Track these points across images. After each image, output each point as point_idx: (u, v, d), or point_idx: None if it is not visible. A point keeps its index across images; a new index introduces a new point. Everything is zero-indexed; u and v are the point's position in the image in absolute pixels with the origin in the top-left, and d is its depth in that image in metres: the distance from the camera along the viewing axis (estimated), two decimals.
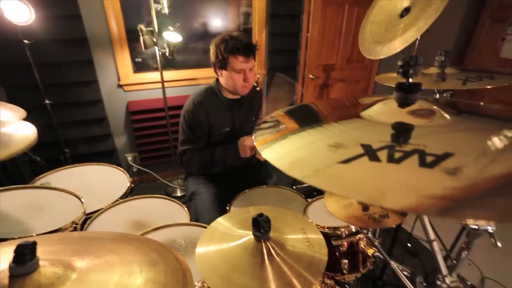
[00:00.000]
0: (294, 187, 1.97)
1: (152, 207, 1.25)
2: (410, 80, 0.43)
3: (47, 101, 1.90)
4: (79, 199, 1.09)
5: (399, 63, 0.43)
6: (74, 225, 0.95)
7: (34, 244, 0.46)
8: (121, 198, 1.27)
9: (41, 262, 0.47)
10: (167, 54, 1.98)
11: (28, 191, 1.11)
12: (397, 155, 0.32)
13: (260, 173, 1.60)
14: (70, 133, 2.13)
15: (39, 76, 1.85)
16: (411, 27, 1.23)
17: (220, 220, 0.63)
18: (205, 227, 0.97)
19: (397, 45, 1.32)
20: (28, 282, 0.44)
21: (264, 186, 1.35)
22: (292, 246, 0.53)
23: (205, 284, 0.75)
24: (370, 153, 0.33)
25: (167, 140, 2.37)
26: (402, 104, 0.45)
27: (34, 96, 1.91)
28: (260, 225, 0.50)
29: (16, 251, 0.45)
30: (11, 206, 0.99)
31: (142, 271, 0.54)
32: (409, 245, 1.85)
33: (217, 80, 1.40)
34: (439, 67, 0.93)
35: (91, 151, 2.26)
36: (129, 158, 2.47)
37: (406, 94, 0.44)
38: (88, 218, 1.09)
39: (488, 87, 0.82)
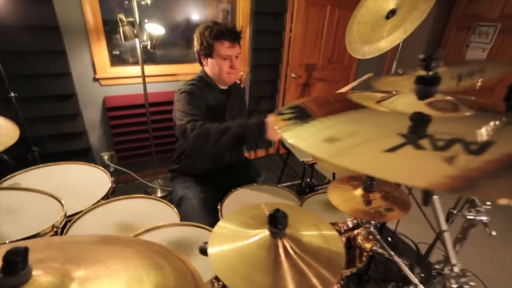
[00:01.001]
0: (279, 185, 1.97)
1: (137, 208, 1.17)
2: (431, 73, 0.44)
3: (12, 94, 1.73)
4: (58, 200, 1.00)
5: (421, 56, 0.43)
6: (55, 229, 0.86)
7: (26, 250, 0.41)
8: (102, 199, 1.18)
9: (34, 272, 0.42)
10: (148, 47, 1.88)
11: None
12: (439, 143, 0.32)
13: (249, 172, 1.58)
14: (40, 129, 1.95)
15: (3, 65, 1.67)
16: (397, 29, 1.28)
17: (227, 219, 0.60)
18: (204, 228, 0.94)
19: (383, 46, 1.37)
20: None
21: (255, 184, 1.33)
22: (309, 242, 0.52)
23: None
24: (412, 142, 0.32)
25: (147, 138, 2.26)
26: (422, 96, 0.45)
27: None
28: (278, 221, 0.48)
29: (5, 259, 0.38)
30: None
31: (149, 275, 0.50)
32: (389, 239, 1.93)
33: (204, 70, 1.35)
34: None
35: (63, 149, 2.09)
36: (106, 157, 2.32)
37: (427, 87, 0.44)
38: (67, 221, 1.00)
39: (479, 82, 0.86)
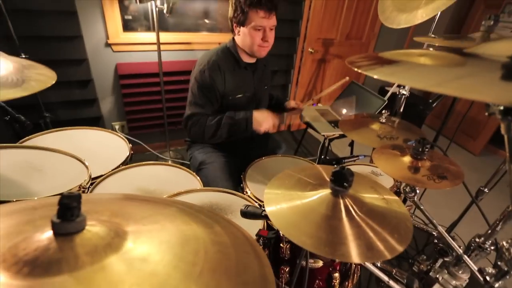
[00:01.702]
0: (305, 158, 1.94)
1: (158, 174, 1.15)
2: None
3: (23, 55, 1.65)
4: (81, 162, 0.97)
5: None
6: (82, 190, 0.84)
7: (79, 196, 0.37)
8: (122, 164, 1.15)
9: (88, 221, 0.38)
10: (165, 11, 1.77)
11: (18, 152, 0.96)
12: None
13: (268, 144, 1.54)
14: (51, 95, 1.90)
15: (13, 25, 1.59)
16: None
17: (277, 180, 0.56)
18: (233, 193, 0.91)
19: (421, 14, 1.28)
20: (80, 243, 0.35)
21: (279, 155, 1.30)
22: (372, 204, 0.48)
23: None
24: None
25: (160, 109, 2.20)
26: None
27: (7, 49, 1.64)
28: (345, 178, 0.44)
29: (61, 203, 0.35)
30: (2, 166, 0.84)
31: (202, 233, 0.47)
32: None
33: (233, 40, 1.27)
34: (485, 31, 0.89)
35: (74, 117, 2.05)
36: (117, 127, 2.28)
37: None
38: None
39: None
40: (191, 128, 1.26)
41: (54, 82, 0.58)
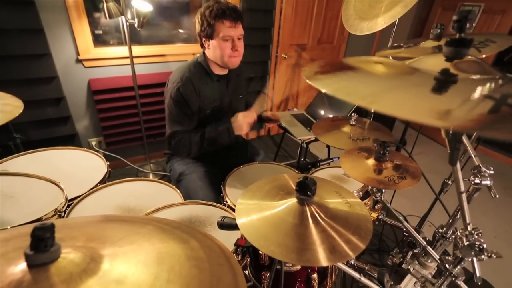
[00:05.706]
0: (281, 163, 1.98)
1: (137, 190, 1.15)
2: (463, 35, 0.44)
3: None
4: (56, 184, 0.95)
5: (455, 17, 0.43)
6: (58, 213, 0.83)
7: (52, 226, 0.38)
8: (100, 183, 1.14)
9: (62, 249, 0.39)
10: (136, 25, 1.77)
11: None
12: None
13: (247, 152, 1.57)
14: (21, 115, 1.81)
15: None
16: (397, 4, 1.28)
17: (248, 192, 0.59)
18: (213, 205, 0.93)
19: (381, 22, 1.36)
20: (55, 272, 0.36)
21: (256, 162, 1.33)
22: (336, 209, 0.52)
23: None
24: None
25: (137, 122, 2.18)
26: (452, 57, 0.45)
27: None
28: (308, 188, 0.48)
29: (33, 235, 0.36)
30: None
31: (178, 249, 0.49)
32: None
33: (204, 54, 1.30)
34: (434, 39, 0.97)
35: (48, 136, 1.98)
36: (93, 143, 2.23)
37: (458, 48, 0.44)
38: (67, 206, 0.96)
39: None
40: (175, 146, 1.28)
41: (21, 111, 0.58)
